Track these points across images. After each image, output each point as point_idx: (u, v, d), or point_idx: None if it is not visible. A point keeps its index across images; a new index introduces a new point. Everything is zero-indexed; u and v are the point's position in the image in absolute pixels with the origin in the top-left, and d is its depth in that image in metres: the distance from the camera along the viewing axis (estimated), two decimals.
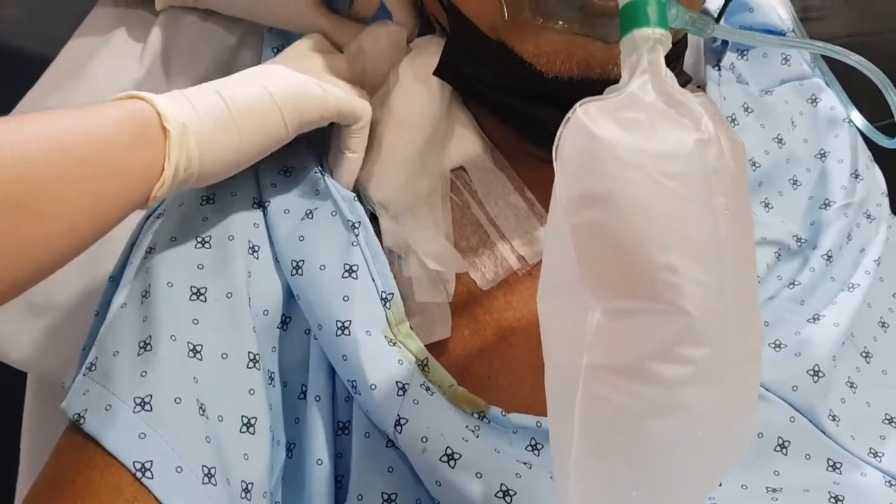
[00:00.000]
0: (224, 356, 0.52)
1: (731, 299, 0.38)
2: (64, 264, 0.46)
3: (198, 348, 0.51)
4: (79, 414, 0.48)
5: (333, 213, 0.57)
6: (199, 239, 0.55)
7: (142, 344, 0.50)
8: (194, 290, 0.53)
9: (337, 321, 0.53)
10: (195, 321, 0.52)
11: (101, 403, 0.48)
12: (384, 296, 0.55)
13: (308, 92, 0.54)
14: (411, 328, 0.55)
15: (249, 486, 0.50)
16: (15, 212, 0.42)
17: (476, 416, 0.53)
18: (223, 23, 0.73)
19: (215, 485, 0.48)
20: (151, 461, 0.46)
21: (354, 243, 0.56)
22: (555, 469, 0.41)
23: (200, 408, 0.49)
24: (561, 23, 0.52)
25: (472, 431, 0.52)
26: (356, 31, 0.63)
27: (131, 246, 0.60)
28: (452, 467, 0.50)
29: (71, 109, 0.47)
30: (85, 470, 0.47)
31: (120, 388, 0.48)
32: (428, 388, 0.52)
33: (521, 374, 0.54)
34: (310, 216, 0.57)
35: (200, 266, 0.54)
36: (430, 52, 0.62)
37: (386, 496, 0.52)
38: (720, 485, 0.50)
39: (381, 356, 0.53)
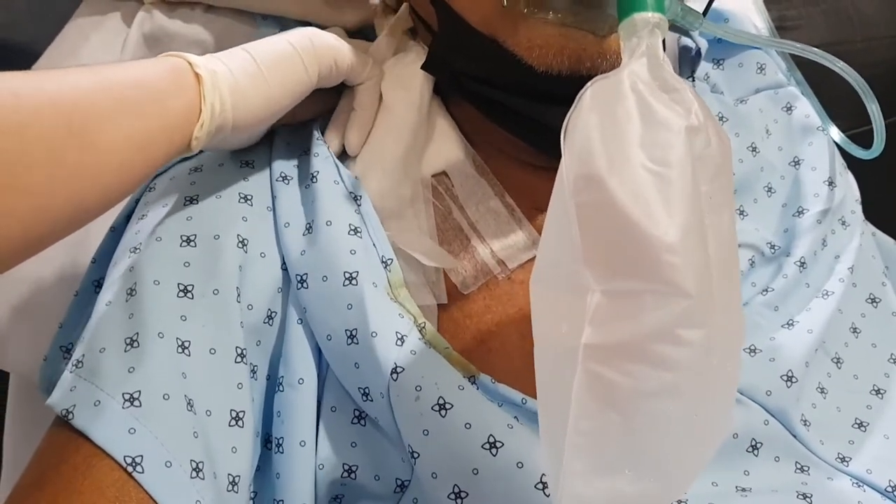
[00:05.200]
0: (212, 351, 0.52)
1: (715, 286, 0.39)
2: (116, 203, 0.50)
3: (186, 344, 0.51)
4: (67, 409, 0.48)
5: (336, 182, 0.59)
6: (185, 238, 0.55)
7: (128, 341, 0.50)
8: (181, 287, 0.53)
9: (345, 272, 0.54)
10: (183, 317, 0.52)
11: (89, 399, 0.48)
12: (384, 259, 0.56)
13: (325, 40, 0.59)
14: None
15: (236, 479, 0.50)
16: (74, 137, 0.45)
17: (467, 380, 0.53)
18: (211, 14, 0.74)
19: (203, 479, 0.48)
20: (142, 456, 0.47)
21: (357, 211, 0.58)
22: (544, 451, 0.42)
23: (188, 403, 0.50)
24: (553, 14, 0.53)
25: (465, 388, 0.52)
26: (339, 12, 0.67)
27: (112, 230, 0.61)
28: (443, 416, 0.51)
29: (114, 62, 0.51)
30: (67, 469, 0.47)
31: (108, 383, 0.49)
32: (426, 344, 0.54)
33: (499, 378, 0.54)
34: (314, 180, 0.59)
35: (187, 264, 0.54)
36: (409, 60, 0.63)
37: (347, 466, 0.54)
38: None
39: (385, 307, 0.54)
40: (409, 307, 0.55)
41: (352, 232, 0.56)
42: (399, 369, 0.52)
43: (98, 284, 0.59)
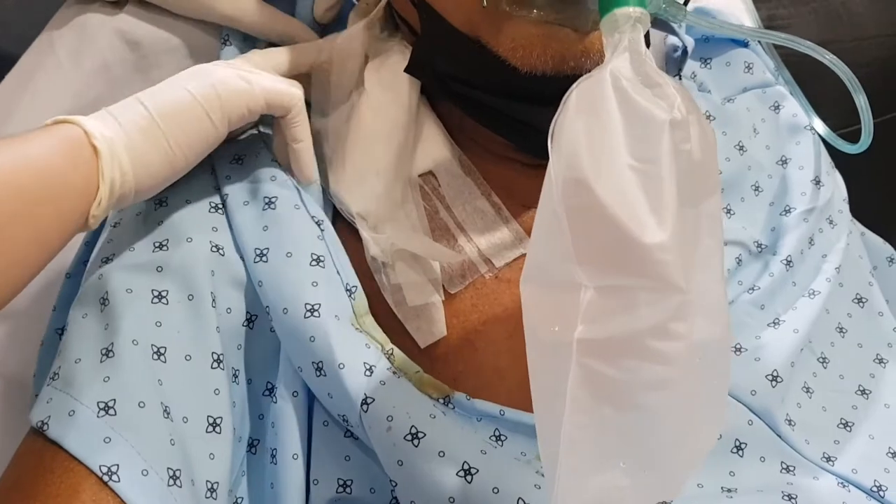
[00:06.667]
0: (188, 358, 0.52)
1: (697, 279, 0.40)
2: (16, 295, 0.46)
3: (161, 350, 0.51)
4: (42, 421, 0.48)
5: (297, 207, 0.57)
6: (157, 243, 0.55)
7: (104, 351, 0.50)
8: (155, 293, 0.53)
9: (306, 304, 0.53)
10: (158, 324, 0.52)
11: (64, 409, 0.48)
12: (349, 287, 0.56)
13: (231, 87, 0.54)
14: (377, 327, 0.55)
15: (215, 486, 0.50)
16: None
17: (441, 401, 0.53)
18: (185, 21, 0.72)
19: (181, 486, 0.48)
20: (118, 465, 0.46)
21: (320, 237, 0.57)
22: (541, 447, 0.42)
23: (165, 410, 0.50)
24: (535, 11, 0.52)
25: (436, 416, 0.52)
26: (283, 22, 0.66)
27: (86, 244, 0.60)
28: (416, 446, 0.50)
29: (3, 140, 0.47)
30: (44, 474, 0.47)
31: (82, 393, 0.48)
32: (395, 373, 0.53)
33: (485, 377, 0.55)
34: (272, 206, 0.57)
35: (159, 269, 0.54)
36: (393, 60, 0.62)
37: (342, 482, 0.54)
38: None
39: (350, 338, 0.53)
40: (375, 335, 0.55)
41: (314, 262, 0.55)
42: (369, 400, 0.51)
43: (61, 332, 0.57)
